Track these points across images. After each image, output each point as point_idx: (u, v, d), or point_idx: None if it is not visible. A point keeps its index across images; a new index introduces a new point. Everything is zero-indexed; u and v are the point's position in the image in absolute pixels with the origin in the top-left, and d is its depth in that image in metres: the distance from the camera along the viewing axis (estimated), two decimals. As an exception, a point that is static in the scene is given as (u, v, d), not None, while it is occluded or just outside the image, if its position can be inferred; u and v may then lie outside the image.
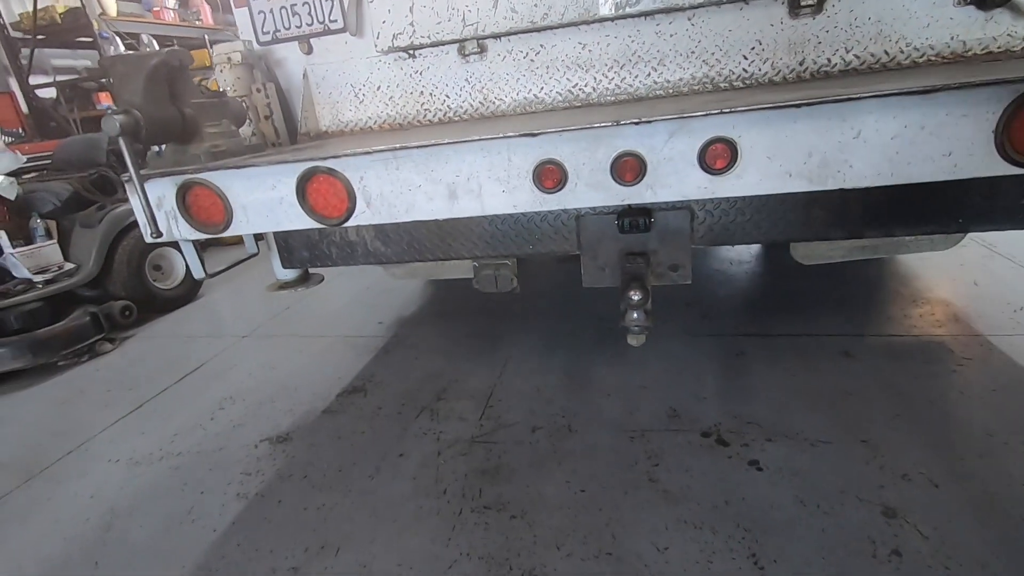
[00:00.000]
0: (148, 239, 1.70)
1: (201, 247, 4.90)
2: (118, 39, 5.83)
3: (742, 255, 3.78)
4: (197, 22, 6.92)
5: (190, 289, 4.28)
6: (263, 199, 1.62)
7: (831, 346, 2.49)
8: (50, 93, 6.05)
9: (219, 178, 1.61)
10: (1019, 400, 1.99)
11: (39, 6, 5.60)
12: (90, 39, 5.76)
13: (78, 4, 5.71)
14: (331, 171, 1.55)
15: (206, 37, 4.15)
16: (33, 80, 5.88)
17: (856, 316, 2.74)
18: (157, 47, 6.49)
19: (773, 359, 2.44)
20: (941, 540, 1.49)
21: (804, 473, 1.77)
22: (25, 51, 5.77)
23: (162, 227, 1.71)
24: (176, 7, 6.66)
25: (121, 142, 1.46)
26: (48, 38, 5.82)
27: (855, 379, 2.23)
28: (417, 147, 1.46)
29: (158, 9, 6.43)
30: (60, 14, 5.65)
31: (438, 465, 2.02)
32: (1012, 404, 1.97)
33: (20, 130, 5.82)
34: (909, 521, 1.55)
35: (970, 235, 2.95)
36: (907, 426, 1.93)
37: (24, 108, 5.91)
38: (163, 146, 1.77)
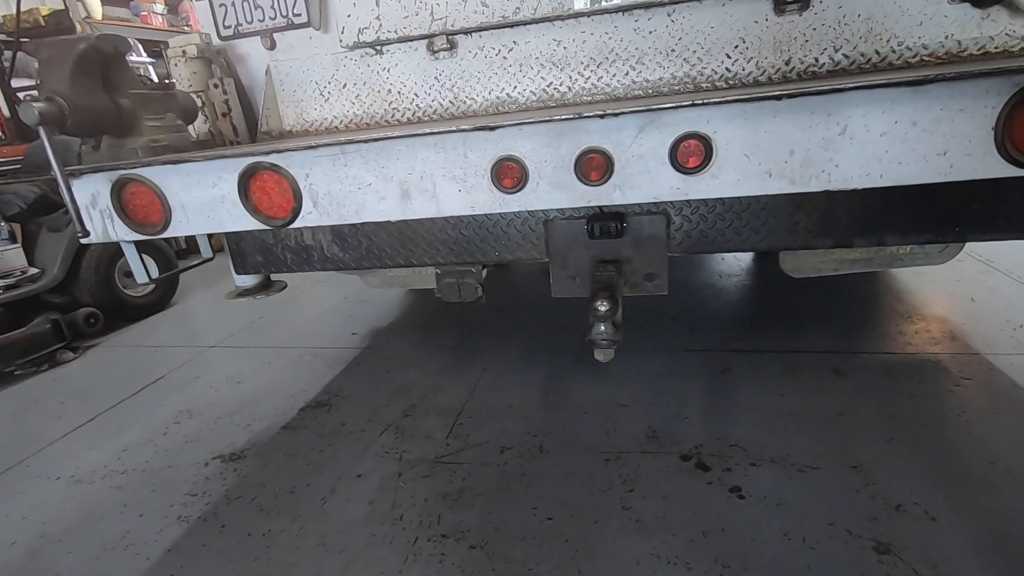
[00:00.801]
0: (81, 240, 1.57)
1: (177, 253, 4.75)
2: (103, 43, 5.73)
3: (732, 267, 3.66)
4: (186, 28, 6.84)
5: (163, 296, 4.14)
6: (203, 197, 1.50)
7: (822, 363, 2.35)
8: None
9: (155, 174, 1.49)
10: (1021, 424, 1.85)
11: (23, 8, 5.51)
12: (75, 42, 5.65)
13: (62, 7, 5.63)
14: (275, 167, 1.42)
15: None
16: (15, 83, 5.76)
17: (848, 332, 2.61)
18: (144, 54, 6.41)
19: (760, 376, 2.31)
20: (939, 581, 1.35)
21: (790, 502, 1.63)
22: (8, 53, 5.66)
23: (96, 226, 1.59)
24: (165, 12, 6.58)
25: (42, 132, 1.34)
26: (31, 41, 5.72)
27: (846, 399, 2.09)
28: (365, 141, 1.34)
29: (146, 14, 6.35)
30: (44, 16, 5.56)
31: (397, 488, 1.88)
32: (1014, 428, 1.84)
33: (1, 133, 5.70)
34: (904, 559, 1.41)
35: (966, 249, 2.83)
36: (902, 451, 1.79)
37: (6, 111, 5.80)
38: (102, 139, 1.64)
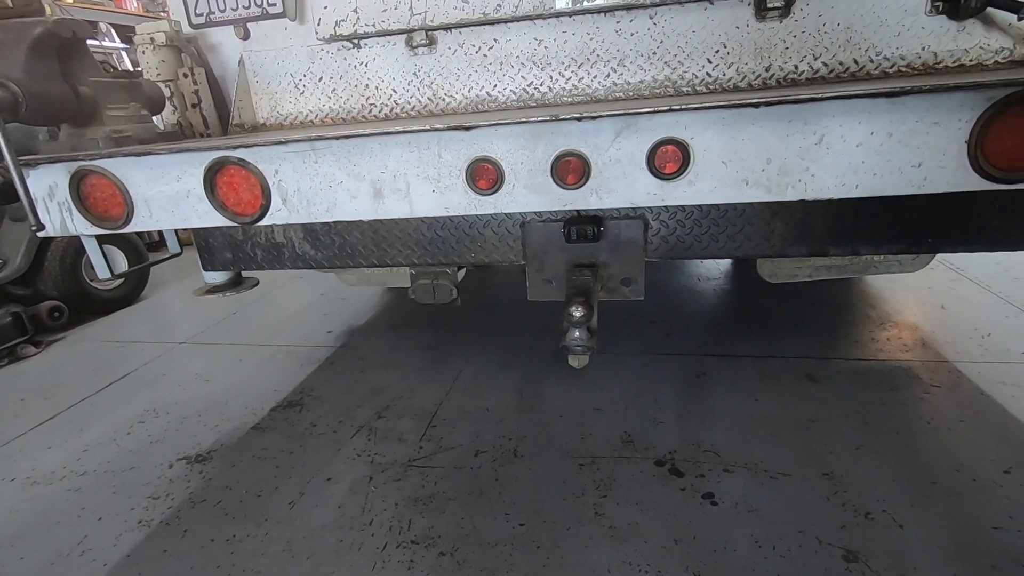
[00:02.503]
0: (36, 233, 1.50)
1: (149, 246, 4.61)
2: (74, 26, 5.54)
3: (710, 271, 3.68)
4: (162, 14, 6.66)
5: (132, 290, 4.02)
6: (167, 192, 1.44)
7: (796, 369, 2.37)
8: (-1, 80, 5.72)
9: (116, 166, 1.43)
10: (988, 432, 1.89)
11: (-11, -12, 5.30)
12: (44, 25, 5.45)
13: (32, -12, 5.42)
14: (242, 162, 1.38)
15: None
16: (-20, 65, 5.55)
17: (822, 338, 2.64)
18: (117, 39, 6.24)
19: (735, 381, 2.32)
20: (905, 589, 1.36)
21: (761, 509, 1.63)
22: (-28, 34, 5.45)
23: (53, 219, 1.52)
24: (141, -3, 6.42)
25: (-8, 119, 1.27)
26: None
27: (819, 405, 2.11)
28: (337, 138, 1.30)
29: (120, -2, 6.18)
30: (12, -3, 5.35)
31: (368, 492, 1.84)
32: (981, 436, 1.87)
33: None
34: (872, 567, 1.42)
35: (938, 258, 2.88)
36: (871, 458, 1.81)
37: (-31, 94, 5.58)
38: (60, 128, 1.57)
